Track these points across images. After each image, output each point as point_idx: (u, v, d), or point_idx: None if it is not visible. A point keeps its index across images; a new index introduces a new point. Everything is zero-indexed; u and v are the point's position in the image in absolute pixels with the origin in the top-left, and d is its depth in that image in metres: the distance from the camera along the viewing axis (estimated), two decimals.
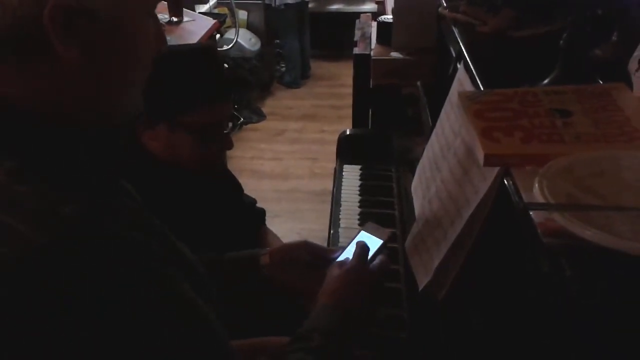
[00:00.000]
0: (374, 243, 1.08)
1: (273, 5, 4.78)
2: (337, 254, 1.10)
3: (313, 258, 1.13)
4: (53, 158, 0.66)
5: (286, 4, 4.75)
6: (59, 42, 0.64)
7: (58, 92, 0.67)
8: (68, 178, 0.66)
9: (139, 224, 0.69)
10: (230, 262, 1.18)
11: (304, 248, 1.15)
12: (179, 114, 1.23)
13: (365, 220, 1.57)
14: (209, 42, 1.73)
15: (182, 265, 0.74)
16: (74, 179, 0.66)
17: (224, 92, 1.28)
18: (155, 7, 0.75)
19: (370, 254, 1.06)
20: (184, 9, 3.11)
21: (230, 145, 1.34)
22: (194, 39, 2.84)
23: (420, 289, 1.10)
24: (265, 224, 1.67)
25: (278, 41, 5.29)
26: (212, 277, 0.91)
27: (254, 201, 1.67)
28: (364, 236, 1.10)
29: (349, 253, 1.07)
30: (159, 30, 0.76)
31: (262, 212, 1.68)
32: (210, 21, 3.17)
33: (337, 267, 1.04)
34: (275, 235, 1.63)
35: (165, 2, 3.07)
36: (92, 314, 0.61)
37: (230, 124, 1.35)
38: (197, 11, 3.50)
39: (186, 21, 3.06)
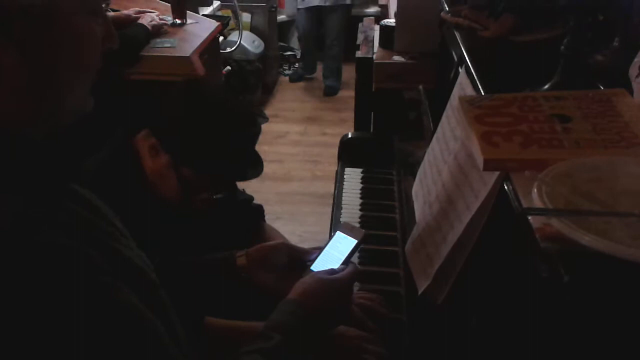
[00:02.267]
0: (349, 243, 1.11)
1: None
2: (314, 255, 1.11)
3: (291, 259, 1.14)
4: None
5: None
6: None
7: None
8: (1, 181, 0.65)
9: (76, 230, 0.68)
10: (206, 264, 1.19)
11: (281, 249, 1.16)
12: (184, 164, 1.24)
13: (367, 224, 1.59)
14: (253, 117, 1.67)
15: (125, 272, 0.73)
16: (7, 182, 0.65)
17: (235, 173, 1.33)
18: (99, 6, 0.74)
19: (346, 253, 1.09)
20: (188, 12, 3.12)
21: (212, 206, 1.34)
22: (197, 41, 2.85)
23: (419, 292, 1.10)
24: (264, 221, 1.65)
25: (282, 43, 5.38)
26: (179, 281, 0.94)
27: (249, 198, 1.65)
28: (340, 236, 1.12)
29: (326, 254, 1.10)
30: (109, 29, 0.75)
31: (258, 209, 1.66)
32: (214, 23, 3.18)
33: (325, 274, 1.05)
34: (277, 232, 1.61)
35: (169, 4, 3.08)
36: (17, 320, 0.60)
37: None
38: (201, 13, 3.50)
39: (189, 23, 3.06)
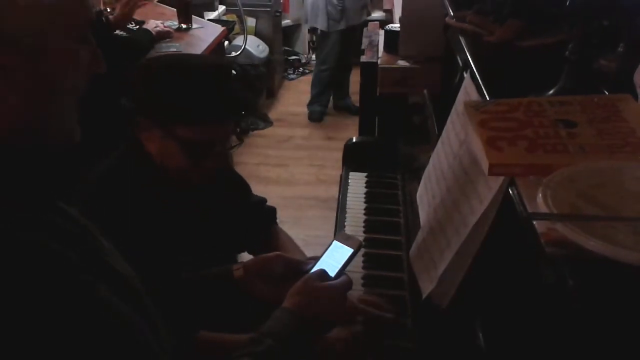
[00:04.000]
0: (345, 252, 1.12)
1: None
2: (310, 265, 1.11)
3: (287, 270, 1.15)
4: None
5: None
6: None
7: None
8: None
9: (59, 236, 0.69)
10: (203, 278, 1.20)
11: (278, 260, 1.17)
12: (174, 124, 1.20)
13: (372, 228, 1.59)
14: (224, 61, 1.72)
15: (108, 277, 0.74)
16: None
17: (225, 113, 1.24)
18: (85, 34, 0.74)
19: (342, 262, 1.10)
20: (193, 16, 3.13)
21: (223, 163, 1.30)
22: (203, 45, 2.86)
23: (424, 296, 1.10)
24: (277, 224, 1.62)
25: (286, 47, 5.32)
26: (178, 294, 0.94)
27: (263, 200, 1.62)
28: (336, 245, 1.13)
29: (322, 263, 1.10)
30: (95, 55, 0.76)
31: (272, 211, 1.62)
32: (219, 28, 3.19)
33: (314, 279, 1.06)
34: (289, 238, 1.59)
35: (175, 9, 3.10)
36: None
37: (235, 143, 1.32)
38: (206, 18, 3.52)
39: (195, 28, 3.08)
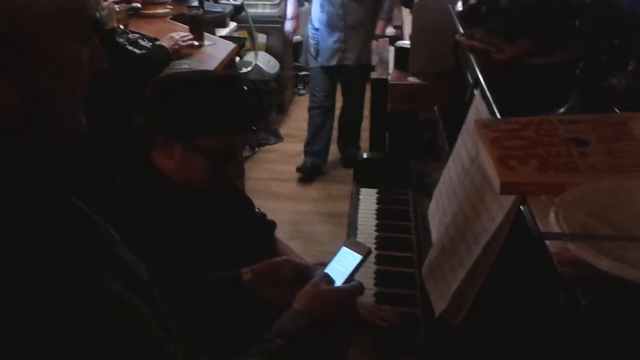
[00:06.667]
0: (354, 258, 1.12)
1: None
2: (319, 270, 1.12)
3: (296, 275, 1.16)
4: None
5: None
6: None
7: None
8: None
9: (67, 225, 0.70)
10: (213, 282, 1.21)
11: (287, 265, 1.19)
12: (196, 136, 1.26)
13: (383, 245, 1.59)
14: (236, 72, 1.83)
15: (116, 267, 0.75)
16: (5, 188, 0.67)
17: (244, 121, 1.31)
18: (86, 32, 0.75)
19: (351, 268, 1.11)
20: (205, 33, 3.17)
21: (241, 174, 1.36)
22: (215, 62, 2.89)
23: (437, 314, 1.10)
24: (275, 234, 1.69)
25: (297, 63, 5.32)
26: (187, 297, 0.95)
27: (263, 214, 1.70)
28: (344, 251, 1.13)
29: (330, 269, 1.11)
30: (97, 52, 0.77)
31: (272, 224, 1.70)
32: (230, 45, 3.22)
33: (322, 282, 1.07)
34: (286, 246, 1.65)
35: (187, 26, 3.14)
36: (12, 310, 0.62)
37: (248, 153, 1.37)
38: (217, 35, 3.56)
39: (207, 45, 3.11)
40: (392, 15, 4.03)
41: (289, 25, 4.44)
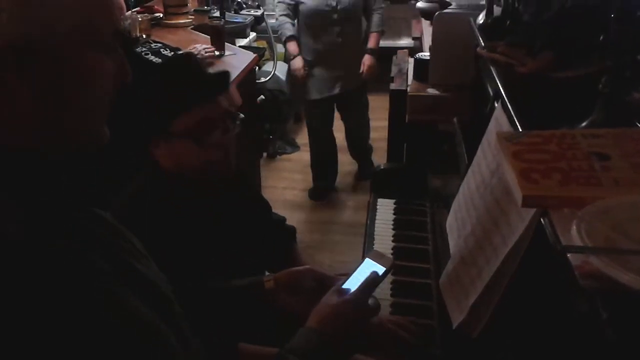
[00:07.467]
0: (378, 270, 1.12)
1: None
2: (342, 281, 1.12)
3: (318, 284, 1.16)
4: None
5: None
6: (14, 78, 0.66)
7: (11, 121, 0.69)
8: (18, 199, 0.67)
9: (84, 240, 0.70)
10: (235, 288, 1.22)
11: (309, 274, 1.19)
12: (166, 126, 1.28)
13: (400, 255, 1.59)
14: (181, 53, 2.02)
15: (136, 283, 0.75)
16: (25, 200, 0.68)
17: (201, 94, 1.31)
18: (112, 44, 0.75)
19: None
20: (225, 43, 3.20)
21: (232, 147, 1.35)
22: (235, 72, 2.91)
23: (454, 326, 1.10)
24: (296, 243, 1.68)
25: None
26: (210, 306, 0.94)
27: (282, 219, 1.70)
28: (368, 263, 1.13)
29: (353, 280, 1.10)
30: (122, 64, 0.78)
31: (292, 230, 1.70)
32: (251, 55, 3.25)
33: (336, 295, 1.07)
34: (306, 255, 1.66)
35: (208, 37, 3.18)
36: (30, 326, 0.62)
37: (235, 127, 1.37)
38: (237, 45, 3.59)
39: (228, 55, 3.14)
40: (384, 28, 3.77)
41: (297, 64, 3.70)
